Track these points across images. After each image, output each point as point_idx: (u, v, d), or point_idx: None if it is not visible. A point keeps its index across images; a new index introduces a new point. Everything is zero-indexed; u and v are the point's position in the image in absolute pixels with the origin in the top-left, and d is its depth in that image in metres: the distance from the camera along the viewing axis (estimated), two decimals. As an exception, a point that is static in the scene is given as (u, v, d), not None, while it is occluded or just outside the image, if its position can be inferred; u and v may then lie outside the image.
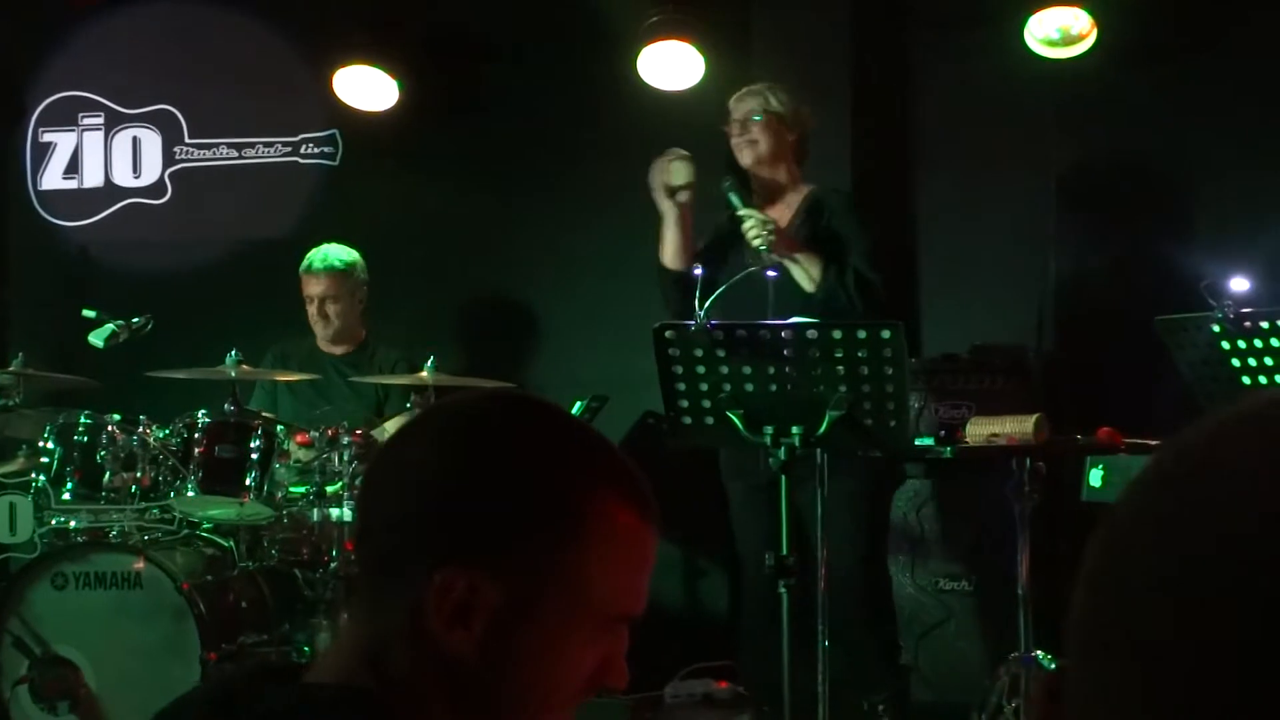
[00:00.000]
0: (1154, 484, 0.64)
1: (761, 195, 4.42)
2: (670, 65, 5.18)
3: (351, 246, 5.23)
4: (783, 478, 3.44)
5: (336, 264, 5.14)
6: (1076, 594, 0.64)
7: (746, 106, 4.41)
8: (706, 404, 3.51)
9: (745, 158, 4.42)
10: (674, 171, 4.29)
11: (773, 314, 4.05)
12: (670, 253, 4.42)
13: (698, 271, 3.75)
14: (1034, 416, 4.34)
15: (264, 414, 4.81)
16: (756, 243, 4.04)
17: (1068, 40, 4.87)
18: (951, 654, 4.66)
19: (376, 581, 1.23)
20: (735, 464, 4.36)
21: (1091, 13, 4.82)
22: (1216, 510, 0.59)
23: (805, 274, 4.20)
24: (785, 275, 4.18)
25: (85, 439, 4.38)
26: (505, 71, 5.73)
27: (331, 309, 5.15)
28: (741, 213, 4.12)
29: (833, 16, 5.34)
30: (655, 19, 5.10)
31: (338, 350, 5.24)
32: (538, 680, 1.21)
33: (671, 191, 4.31)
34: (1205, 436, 0.63)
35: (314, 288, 5.15)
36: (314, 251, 5.18)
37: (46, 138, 6.08)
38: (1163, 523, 0.61)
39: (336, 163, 5.89)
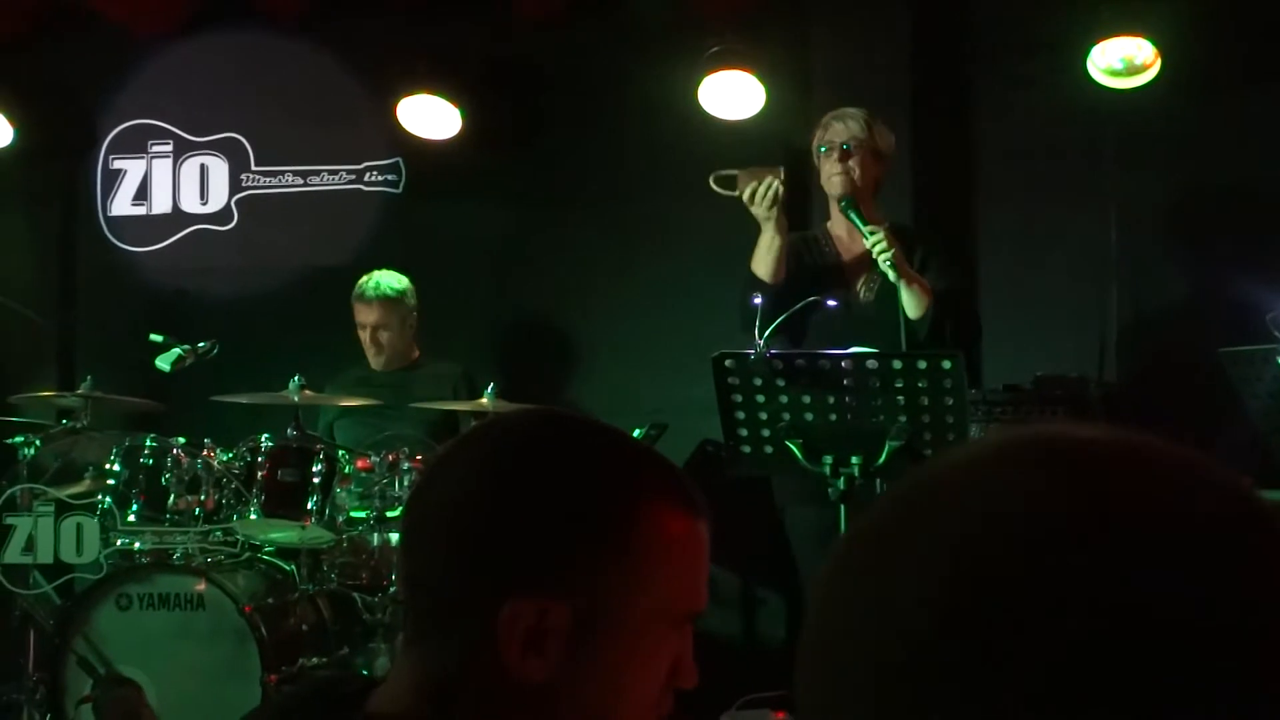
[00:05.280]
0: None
1: (843, 225, 4.33)
2: (731, 95, 5.20)
3: (402, 273, 5.29)
4: (842, 507, 3.43)
5: (389, 292, 5.21)
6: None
7: (841, 130, 4.27)
8: (766, 433, 3.51)
9: (836, 187, 4.25)
10: (778, 184, 4.11)
11: (867, 338, 3.90)
12: (769, 265, 4.19)
13: (756, 301, 3.74)
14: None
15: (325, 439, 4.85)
16: (883, 260, 3.96)
17: (1131, 70, 4.85)
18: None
19: (435, 618, 1.22)
20: (803, 489, 4.08)
21: (1155, 43, 4.79)
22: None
23: (915, 300, 4.06)
24: (889, 299, 4.05)
25: (151, 462, 4.44)
26: (567, 101, 5.77)
27: (384, 336, 5.23)
28: (867, 229, 4.03)
29: (894, 46, 5.34)
30: (715, 49, 5.12)
31: (392, 366, 5.30)
32: (621, 692, 1.21)
33: (774, 204, 4.12)
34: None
35: (367, 316, 5.22)
36: (365, 279, 5.24)
37: (116, 165, 6.18)
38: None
39: (400, 190, 5.95)
